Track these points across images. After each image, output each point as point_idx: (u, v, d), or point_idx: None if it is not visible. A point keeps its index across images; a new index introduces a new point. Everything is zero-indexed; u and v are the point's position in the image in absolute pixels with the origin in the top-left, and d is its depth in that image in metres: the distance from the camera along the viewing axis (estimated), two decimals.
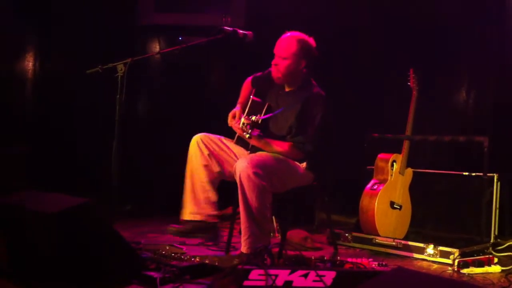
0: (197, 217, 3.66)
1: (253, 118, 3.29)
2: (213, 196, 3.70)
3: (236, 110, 3.70)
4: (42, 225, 2.76)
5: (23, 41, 5.37)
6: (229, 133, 3.76)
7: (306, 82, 3.71)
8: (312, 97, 3.63)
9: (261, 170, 3.33)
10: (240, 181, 3.33)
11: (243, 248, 3.41)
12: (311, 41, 3.68)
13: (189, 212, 3.68)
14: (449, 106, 4.98)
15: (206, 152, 3.64)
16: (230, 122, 3.67)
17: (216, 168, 3.66)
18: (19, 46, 5.36)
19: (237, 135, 3.70)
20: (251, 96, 3.67)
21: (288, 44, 3.60)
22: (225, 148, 3.70)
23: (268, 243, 3.46)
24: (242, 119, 3.34)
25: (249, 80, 3.90)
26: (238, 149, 3.72)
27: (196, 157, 3.65)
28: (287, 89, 3.74)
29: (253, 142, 3.55)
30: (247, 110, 3.64)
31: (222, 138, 3.73)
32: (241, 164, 3.34)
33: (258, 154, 3.49)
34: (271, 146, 3.54)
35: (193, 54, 5.03)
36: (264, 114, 3.52)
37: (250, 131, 3.28)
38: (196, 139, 3.69)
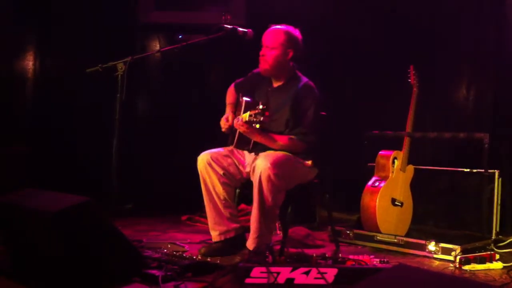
0: (228, 235, 3.65)
1: (260, 107, 3.25)
2: (234, 209, 3.71)
3: (229, 114, 3.71)
4: (42, 224, 2.76)
5: (23, 40, 5.36)
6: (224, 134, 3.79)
7: (293, 75, 3.71)
8: (303, 89, 3.63)
9: (280, 171, 3.34)
10: (260, 180, 3.32)
11: (250, 245, 3.42)
12: (298, 32, 3.68)
13: (219, 233, 3.66)
14: (450, 103, 4.97)
15: (221, 171, 3.60)
16: (225, 124, 3.67)
17: (232, 183, 3.66)
18: (19, 46, 5.35)
19: (236, 138, 3.68)
20: (244, 98, 3.66)
21: (275, 35, 3.61)
22: (232, 160, 3.67)
23: (270, 241, 3.47)
24: (248, 112, 3.30)
25: (231, 86, 3.91)
26: (243, 154, 3.71)
27: (212, 178, 3.60)
28: (275, 85, 3.73)
29: (257, 137, 3.52)
30: (242, 110, 3.63)
31: (225, 151, 3.69)
32: (262, 164, 3.32)
33: (274, 154, 3.45)
34: (275, 141, 3.53)
35: (193, 52, 5.04)
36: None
37: (261, 118, 3.22)
38: (206, 159, 3.61)
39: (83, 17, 5.42)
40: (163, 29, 5.61)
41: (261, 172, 3.31)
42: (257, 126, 3.26)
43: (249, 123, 3.30)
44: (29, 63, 5.37)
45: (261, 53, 3.63)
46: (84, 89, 5.26)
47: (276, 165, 3.33)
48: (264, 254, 3.02)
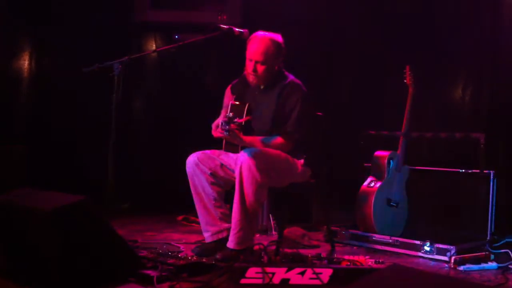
0: (220, 235, 3.63)
1: (229, 115, 3.29)
2: (226, 209, 3.69)
3: (219, 119, 3.71)
4: (38, 222, 2.75)
5: (18, 40, 5.34)
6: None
7: (280, 75, 3.70)
8: (288, 87, 3.64)
9: (263, 164, 3.34)
10: (240, 171, 3.33)
11: (231, 244, 3.40)
12: (280, 37, 3.65)
13: (211, 233, 3.65)
14: (446, 103, 4.98)
15: (208, 171, 3.61)
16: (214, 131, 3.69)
17: (221, 183, 3.65)
18: (15, 45, 5.33)
19: (224, 141, 3.70)
20: (231, 102, 3.68)
21: (264, 48, 3.56)
22: (220, 162, 3.66)
23: (252, 242, 3.45)
24: (220, 121, 3.33)
25: (228, 89, 3.90)
26: (231, 156, 3.70)
27: (200, 178, 3.61)
28: (262, 87, 3.73)
29: (235, 141, 3.53)
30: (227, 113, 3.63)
31: (213, 153, 3.69)
32: (244, 156, 3.34)
33: (260, 149, 3.48)
34: (255, 144, 3.53)
35: (189, 51, 5.05)
36: (246, 115, 3.54)
37: (227, 127, 3.26)
38: (193, 161, 3.63)
39: (78, 16, 5.40)
40: (159, 28, 5.61)
41: (241, 163, 3.32)
42: (225, 133, 3.29)
43: (221, 130, 3.32)
44: (25, 62, 5.35)
45: (251, 68, 3.59)
46: (80, 88, 5.25)
47: (258, 157, 3.34)
48: (259, 255, 3.03)
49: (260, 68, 3.59)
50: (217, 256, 3.35)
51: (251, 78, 3.65)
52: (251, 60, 3.60)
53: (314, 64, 5.15)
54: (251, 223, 3.43)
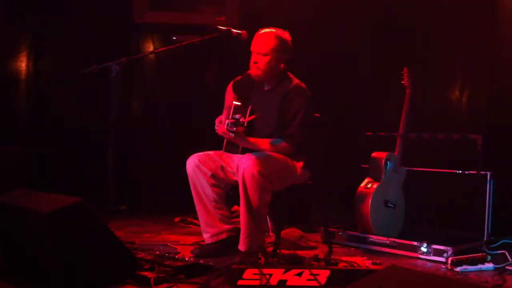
0: (220, 237, 3.65)
1: (236, 116, 3.30)
2: (226, 211, 3.71)
3: (222, 116, 3.72)
4: (35, 224, 2.76)
5: (16, 41, 5.33)
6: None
7: (285, 77, 3.72)
8: (292, 90, 3.64)
9: (264, 169, 3.35)
10: (243, 179, 3.34)
11: (242, 246, 3.43)
12: (288, 35, 3.68)
13: (211, 235, 3.66)
14: (443, 105, 4.99)
15: (209, 173, 3.62)
16: (217, 127, 3.68)
17: (221, 185, 3.66)
18: (12, 47, 5.32)
19: (225, 142, 3.70)
20: (234, 102, 3.68)
21: (267, 40, 3.60)
22: (220, 163, 3.67)
23: (263, 241, 3.47)
24: (227, 121, 3.34)
25: (230, 86, 3.90)
26: (232, 157, 3.70)
27: (200, 179, 3.62)
28: (266, 87, 3.74)
29: (239, 142, 3.54)
30: (230, 115, 3.64)
31: (213, 154, 3.69)
32: (245, 163, 3.35)
33: (259, 154, 3.48)
34: (259, 145, 3.54)
35: (187, 53, 5.05)
36: (248, 116, 3.54)
37: (234, 129, 3.27)
38: (194, 162, 3.63)
39: (77, 17, 5.40)
40: (157, 29, 5.61)
41: (244, 170, 3.34)
42: (232, 134, 3.29)
43: (227, 131, 3.32)
44: (22, 64, 5.34)
45: (253, 60, 3.63)
46: (78, 89, 5.25)
47: (260, 163, 3.34)
48: (257, 255, 3.03)
49: (262, 60, 3.60)
50: (230, 261, 3.36)
51: (253, 70, 3.65)
52: (252, 52, 3.63)
53: (312, 66, 5.15)
54: (259, 225, 3.47)
